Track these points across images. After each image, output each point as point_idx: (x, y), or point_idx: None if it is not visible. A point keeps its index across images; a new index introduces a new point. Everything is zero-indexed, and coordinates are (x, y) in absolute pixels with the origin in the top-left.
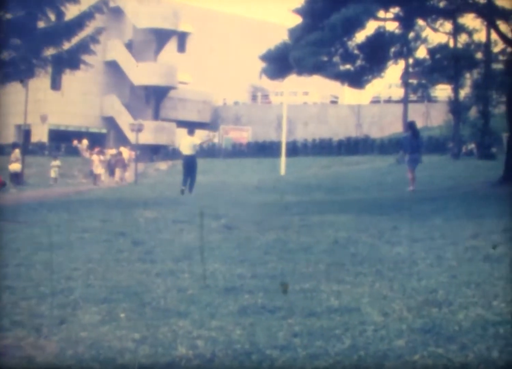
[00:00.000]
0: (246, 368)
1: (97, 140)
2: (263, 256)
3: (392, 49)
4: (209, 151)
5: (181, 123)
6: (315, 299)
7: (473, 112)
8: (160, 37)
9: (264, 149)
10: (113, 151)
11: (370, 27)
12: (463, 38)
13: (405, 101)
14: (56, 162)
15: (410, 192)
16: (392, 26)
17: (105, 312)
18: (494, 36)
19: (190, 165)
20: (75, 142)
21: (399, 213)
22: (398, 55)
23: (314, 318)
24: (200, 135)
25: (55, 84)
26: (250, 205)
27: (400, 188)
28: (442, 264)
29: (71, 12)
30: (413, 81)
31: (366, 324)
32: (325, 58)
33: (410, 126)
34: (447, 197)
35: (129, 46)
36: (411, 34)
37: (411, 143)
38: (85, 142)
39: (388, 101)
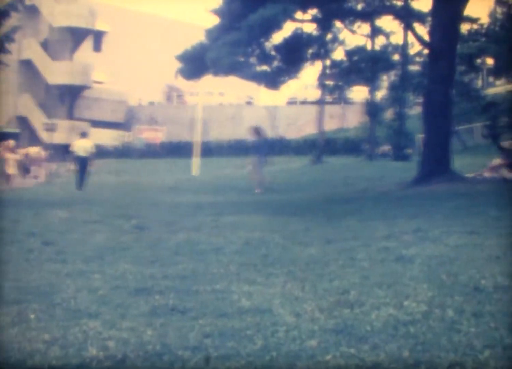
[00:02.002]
0: None
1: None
2: (174, 256)
3: (309, 51)
4: (123, 151)
5: (95, 123)
6: (226, 299)
7: (389, 114)
8: (76, 36)
9: (179, 150)
10: (25, 150)
11: (288, 28)
12: (380, 40)
13: (321, 102)
14: None
15: (325, 193)
16: (310, 28)
17: (15, 313)
18: (410, 38)
19: (83, 167)
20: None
21: (312, 214)
22: (315, 56)
23: (226, 318)
24: (113, 136)
25: None
26: (163, 205)
27: (315, 188)
28: (354, 265)
29: None
30: (330, 82)
31: (278, 325)
32: (242, 59)
33: (257, 131)
34: (361, 198)
35: (45, 45)
36: (329, 36)
37: (262, 147)
38: (11, 143)
39: (304, 102)
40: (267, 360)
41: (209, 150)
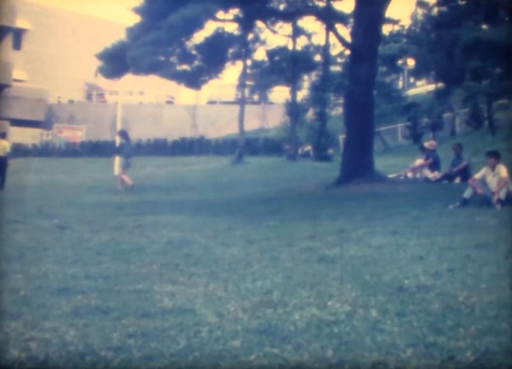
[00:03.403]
0: None
1: None
2: (96, 256)
3: (231, 51)
4: (42, 150)
5: (15, 122)
6: (149, 299)
7: (310, 114)
8: None
9: (99, 149)
10: None
11: (209, 28)
12: (302, 40)
13: (241, 102)
14: None
15: (246, 193)
16: (232, 28)
17: None
18: (332, 39)
19: (2, 167)
20: None
21: (234, 214)
22: (236, 56)
23: (148, 319)
24: (33, 134)
25: None
26: (84, 205)
27: (236, 189)
28: (277, 265)
29: None
30: (251, 82)
31: (201, 325)
32: (162, 58)
33: (123, 134)
34: (283, 198)
35: None
36: (250, 36)
37: (127, 149)
38: None
39: (225, 102)
40: (190, 361)
41: None
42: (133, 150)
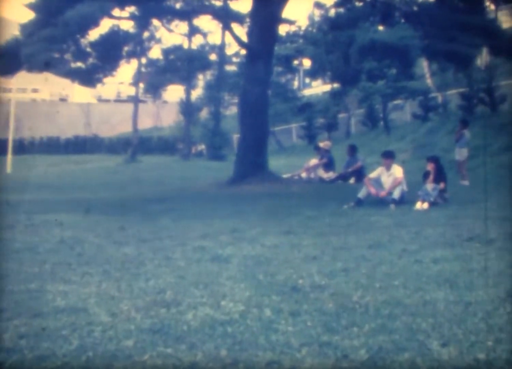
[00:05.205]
0: None
1: None
2: None
3: (126, 48)
4: None
5: None
6: (41, 299)
7: (204, 114)
8: None
9: None
10: None
11: (105, 25)
12: (198, 39)
13: (135, 101)
14: None
15: (139, 192)
16: (127, 25)
17: None
18: (228, 38)
19: None
20: None
21: (127, 213)
22: (132, 54)
23: (41, 318)
24: None
25: None
26: None
27: (129, 188)
28: (170, 265)
29: None
30: (145, 81)
31: (93, 325)
32: (57, 55)
33: None
34: (176, 198)
35: None
36: (146, 34)
37: None
38: None
39: (119, 100)
40: (83, 361)
41: (21, 147)
42: None
